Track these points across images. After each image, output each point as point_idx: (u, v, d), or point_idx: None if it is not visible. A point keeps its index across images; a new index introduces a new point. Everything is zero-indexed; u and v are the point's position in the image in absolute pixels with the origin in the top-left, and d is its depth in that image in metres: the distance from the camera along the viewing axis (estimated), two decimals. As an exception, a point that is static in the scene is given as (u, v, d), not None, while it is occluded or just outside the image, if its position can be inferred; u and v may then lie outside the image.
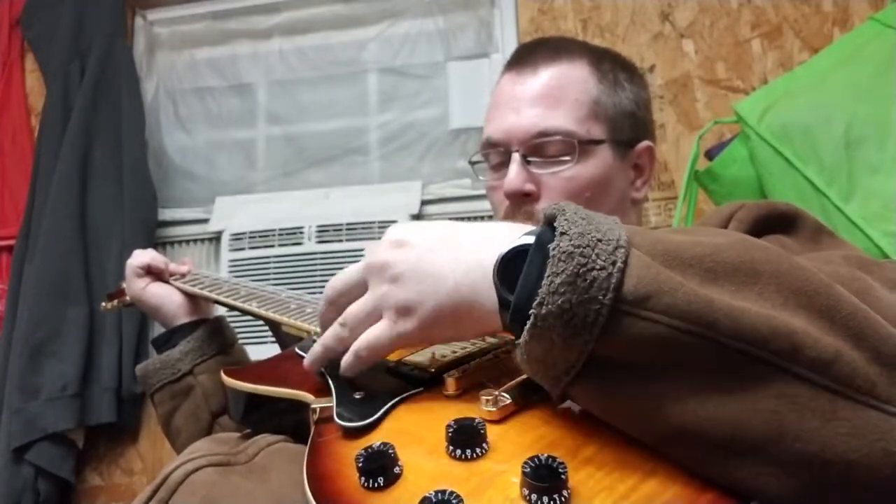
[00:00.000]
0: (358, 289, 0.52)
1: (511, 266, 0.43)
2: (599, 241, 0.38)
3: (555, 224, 0.40)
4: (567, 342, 0.38)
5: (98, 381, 1.74)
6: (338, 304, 0.54)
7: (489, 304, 0.44)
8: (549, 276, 0.38)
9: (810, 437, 0.36)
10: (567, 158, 0.81)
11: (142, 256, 1.01)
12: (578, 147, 0.80)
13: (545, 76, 0.83)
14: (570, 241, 0.38)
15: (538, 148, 0.81)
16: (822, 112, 1.19)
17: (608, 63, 0.87)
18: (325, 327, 0.55)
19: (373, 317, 0.50)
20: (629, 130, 0.85)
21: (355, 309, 0.52)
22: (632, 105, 0.86)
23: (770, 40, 1.68)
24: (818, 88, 1.24)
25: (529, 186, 0.81)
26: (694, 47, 1.72)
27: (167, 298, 0.99)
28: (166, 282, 1.00)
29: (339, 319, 0.53)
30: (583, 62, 0.85)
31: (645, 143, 0.87)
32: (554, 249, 0.38)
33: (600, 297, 0.37)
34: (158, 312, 0.99)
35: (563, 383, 0.40)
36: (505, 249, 0.43)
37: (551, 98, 0.82)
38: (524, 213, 0.81)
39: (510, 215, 0.83)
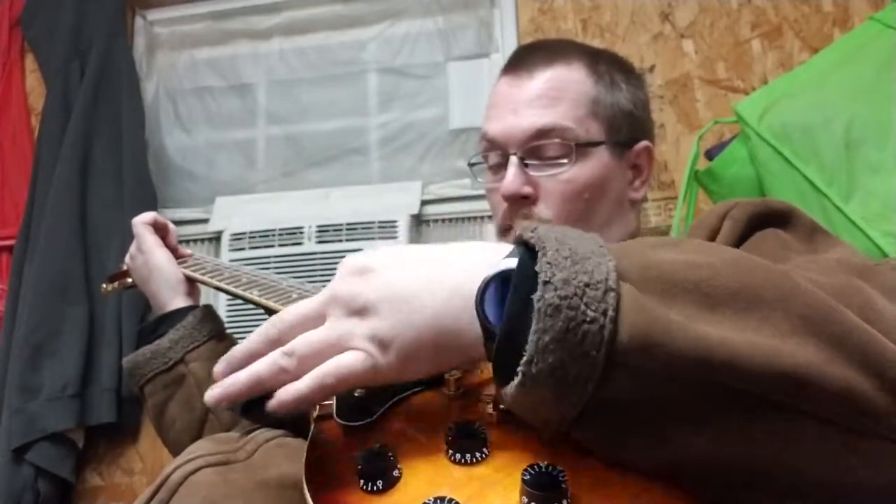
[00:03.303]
0: (312, 325, 0.45)
1: (491, 293, 0.40)
2: (587, 285, 0.35)
3: (536, 267, 0.37)
4: (559, 397, 0.36)
5: (98, 381, 1.73)
6: (279, 342, 0.45)
7: (473, 334, 0.41)
8: (536, 333, 0.35)
9: (821, 471, 0.35)
10: (565, 161, 0.80)
11: (146, 215, 0.99)
12: (576, 149, 0.80)
13: (542, 78, 0.83)
14: (556, 291, 0.35)
15: (536, 150, 0.81)
16: (822, 112, 1.19)
17: (605, 64, 0.87)
18: (248, 362, 0.46)
19: (332, 350, 0.43)
20: (627, 130, 0.85)
21: (310, 338, 0.44)
22: (629, 105, 0.86)
23: (770, 40, 1.67)
24: (818, 88, 1.24)
25: (527, 189, 0.81)
26: (694, 47, 1.72)
27: (170, 267, 0.96)
28: (172, 250, 0.99)
29: (284, 349, 0.44)
30: (579, 63, 0.85)
31: (643, 144, 0.87)
32: (539, 302, 0.35)
33: (593, 353, 0.34)
34: (157, 278, 0.96)
35: (555, 429, 0.39)
36: (484, 275, 0.40)
37: (548, 98, 0.82)
38: (522, 215, 0.82)
39: (508, 217, 0.83)
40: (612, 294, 0.35)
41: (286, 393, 0.43)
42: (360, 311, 0.43)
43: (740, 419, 0.35)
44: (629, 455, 0.39)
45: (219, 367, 0.47)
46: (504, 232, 0.85)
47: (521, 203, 0.82)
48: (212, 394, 0.45)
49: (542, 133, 0.81)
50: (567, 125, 0.81)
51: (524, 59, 0.87)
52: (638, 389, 0.36)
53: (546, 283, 0.36)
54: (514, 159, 0.81)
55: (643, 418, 0.37)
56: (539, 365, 0.35)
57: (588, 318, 0.35)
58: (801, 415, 0.35)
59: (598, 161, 0.82)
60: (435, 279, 0.43)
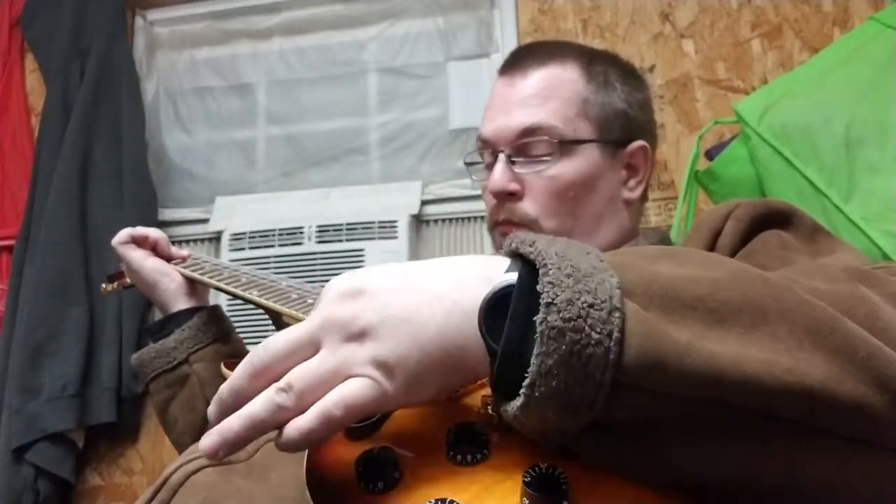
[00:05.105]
0: (303, 355, 0.41)
1: (490, 310, 0.38)
2: (591, 306, 0.34)
3: (538, 286, 0.36)
4: (563, 417, 0.35)
5: (98, 381, 1.73)
6: (267, 377, 0.41)
7: (480, 351, 0.39)
8: (538, 356, 0.34)
9: (824, 482, 0.35)
10: (549, 158, 0.82)
11: (121, 234, 1.00)
12: (561, 147, 0.81)
13: (534, 78, 0.85)
14: (559, 313, 0.34)
15: (523, 148, 0.83)
16: (822, 112, 1.19)
17: (601, 64, 0.87)
18: (238, 404, 0.40)
19: (332, 380, 0.39)
20: (620, 130, 0.85)
21: (306, 370, 0.40)
22: (622, 104, 0.85)
23: (770, 40, 1.68)
24: (818, 88, 1.24)
25: (513, 185, 0.83)
26: (694, 47, 1.72)
27: (166, 276, 0.97)
28: (165, 259, 0.99)
29: (279, 384, 0.39)
30: (573, 63, 0.86)
31: (638, 143, 0.86)
32: (541, 324, 0.34)
33: (598, 377, 0.34)
34: (156, 289, 0.97)
35: (558, 444, 0.39)
36: (485, 289, 0.39)
37: (539, 98, 0.84)
38: (507, 210, 0.83)
39: (496, 213, 0.85)
40: (616, 314, 0.34)
41: (292, 430, 0.39)
42: (358, 336, 0.40)
43: (748, 437, 0.35)
44: (633, 471, 0.38)
45: (211, 410, 0.43)
46: (492, 228, 0.87)
47: (507, 199, 0.83)
48: (208, 443, 0.40)
49: (529, 131, 0.82)
50: (553, 124, 0.82)
51: (519, 60, 0.88)
52: (644, 409, 0.35)
53: (549, 304, 0.34)
54: (501, 157, 0.84)
55: (648, 436, 0.36)
56: (542, 388, 0.34)
57: (593, 341, 0.34)
58: (810, 431, 0.35)
59: (586, 159, 0.83)
60: (432, 297, 0.40)
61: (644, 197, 0.92)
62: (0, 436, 1.69)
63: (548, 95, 0.83)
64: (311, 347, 0.41)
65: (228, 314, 1.03)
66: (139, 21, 2.08)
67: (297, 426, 0.38)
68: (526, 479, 0.37)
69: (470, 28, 1.91)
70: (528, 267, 0.38)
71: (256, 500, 0.51)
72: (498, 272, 0.40)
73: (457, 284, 0.40)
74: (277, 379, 0.40)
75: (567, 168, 0.82)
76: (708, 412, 0.35)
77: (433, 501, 0.37)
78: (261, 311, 0.86)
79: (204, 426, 0.93)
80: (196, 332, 0.94)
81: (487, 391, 0.47)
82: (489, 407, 0.45)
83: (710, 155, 1.44)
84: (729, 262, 0.41)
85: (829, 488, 0.36)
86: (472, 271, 0.41)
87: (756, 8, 1.69)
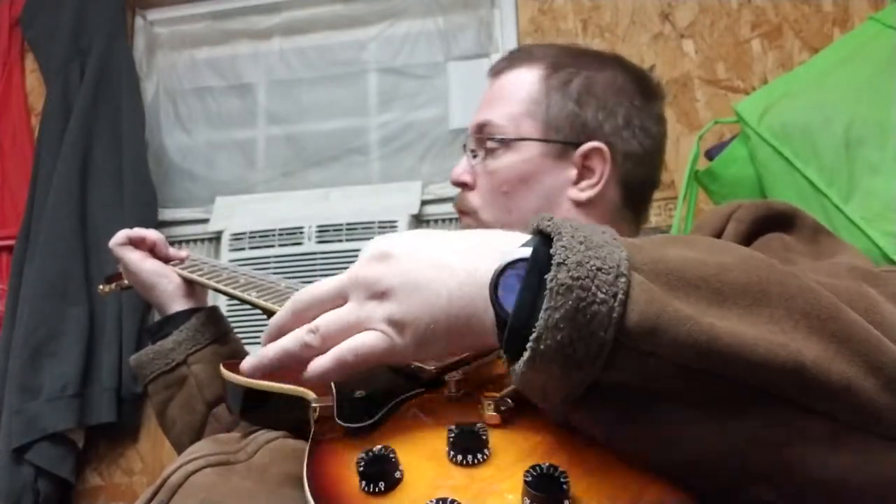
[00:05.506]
0: (333, 304, 0.48)
1: (505, 280, 0.41)
2: (599, 269, 0.36)
3: (551, 250, 0.38)
4: (566, 374, 0.37)
5: (98, 381, 1.74)
6: (304, 318, 0.49)
7: (487, 320, 0.42)
8: (546, 310, 0.36)
9: (815, 465, 0.36)
10: (490, 154, 0.86)
11: (118, 235, 1.00)
12: (500, 143, 0.85)
13: (500, 80, 0.89)
14: (569, 272, 0.36)
15: (478, 143, 0.88)
16: (822, 112, 1.19)
17: (572, 67, 0.86)
18: (279, 335, 0.50)
19: (352, 329, 0.46)
20: (569, 131, 0.84)
21: (333, 317, 0.47)
22: (574, 106, 0.84)
23: (770, 40, 1.68)
24: (818, 88, 1.24)
25: (465, 177, 0.88)
26: (694, 47, 1.72)
27: (164, 277, 0.97)
28: (163, 260, 0.99)
29: (309, 326, 0.48)
30: (539, 66, 0.87)
31: (591, 145, 0.83)
32: (551, 282, 0.37)
33: (601, 334, 0.36)
34: (154, 291, 0.97)
35: (561, 408, 0.40)
36: (498, 263, 0.41)
37: (495, 98, 0.89)
38: (461, 198, 0.88)
39: (457, 201, 0.91)
40: (622, 280, 0.36)
41: (313, 366, 0.47)
42: (379, 296, 0.46)
43: (742, 412, 0.36)
44: (629, 443, 0.39)
45: (263, 337, 0.52)
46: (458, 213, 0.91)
47: (463, 189, 0.88)
48: (247, 364, 0.50)
49: (479, 128, 0.87)
50: (497, 122, 0.85)
51: (499, 62, 0.92)
52: (643, 374, 0.36)
53: (560, 264, 0.37)
54: (466, 151, 0.89)
55: (646, 406, 0.37)
56: (548, 342, 0.36)
57: (598, 300, 0.36)
58: (803, 409, 0.36)
59: (523, 156, 0.84)
60: (450, 267, 0.45)
61: (634, 200, 0.88)
62: (0, 436, 1.69)
63: (502, 96, 0.88)
64: (340, 299, 0.48)
65: (227, 315, 1.03)
66: (139, 21, 2.08)
67: (317, 364, 0.46)
68: (527, 479, 0.37)
69: (470, 28, 1.91)
70: (544, 241, 0.40)
71: (256, 501, 0.51)
72: (514, 247, 0.42)
73: (473, 256, 0.45)
74: (309, 321, 0.48)
75: (503, 163, 0.84)
76: (706, 386, 0.36)
77: (434, 501, 0.37)
78: (259, 311, 0.86)
79: (202, 427, 0.93)
80: (194, 334, 0.94)
81: (488, 392, 0.47)
82: (490, 407, 0.45)
83: (710, 155, 1.44)
84: (737, 248, 0.43)
85: (820, 474, 0.36)
86: (490, 245, 0.45)
87: (756, 8, 1.69)
